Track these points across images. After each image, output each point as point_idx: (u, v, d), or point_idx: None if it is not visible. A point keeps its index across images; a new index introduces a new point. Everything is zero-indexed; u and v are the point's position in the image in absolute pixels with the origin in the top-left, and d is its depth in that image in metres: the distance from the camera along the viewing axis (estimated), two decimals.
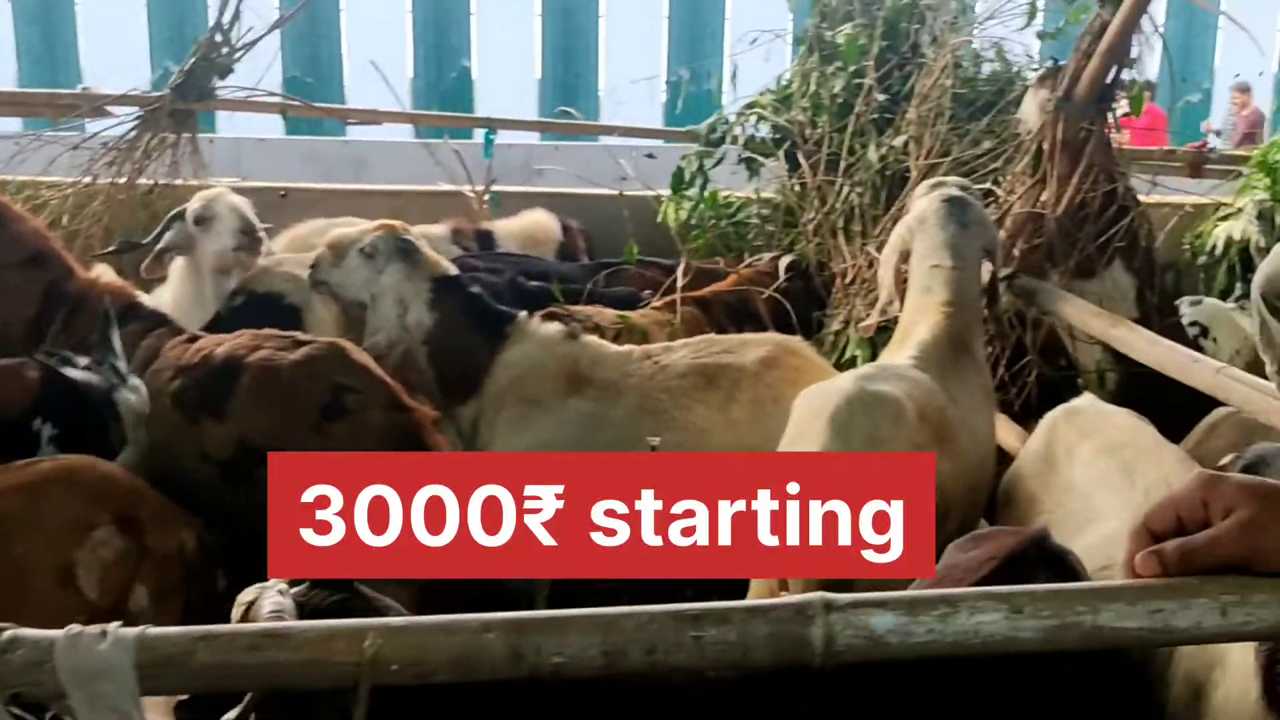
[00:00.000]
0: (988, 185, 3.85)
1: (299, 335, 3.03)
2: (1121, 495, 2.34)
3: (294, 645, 1.00)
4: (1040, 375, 3.64)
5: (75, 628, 1.00)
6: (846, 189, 4.28)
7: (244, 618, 1.49)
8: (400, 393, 2.90)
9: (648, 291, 4.26)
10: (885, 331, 3.50)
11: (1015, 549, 1.70)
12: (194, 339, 3.07)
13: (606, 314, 3.91)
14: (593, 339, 3.49)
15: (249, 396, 2.79)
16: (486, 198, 5.36)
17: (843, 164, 4.38)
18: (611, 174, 5.17)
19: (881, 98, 4.44)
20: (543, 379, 3.34)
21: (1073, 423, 2.62)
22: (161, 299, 3.73)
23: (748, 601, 1.04)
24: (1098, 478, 2.43)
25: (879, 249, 3.89)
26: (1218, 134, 10.80)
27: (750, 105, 4.83)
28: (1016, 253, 3.71)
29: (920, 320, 3.03)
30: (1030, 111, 4.03)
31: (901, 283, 3.26)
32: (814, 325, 4.05)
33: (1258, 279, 1.79)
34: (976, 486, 2.80)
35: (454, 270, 3.56)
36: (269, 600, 1.45)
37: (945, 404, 2.74)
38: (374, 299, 3.39)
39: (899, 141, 4.27)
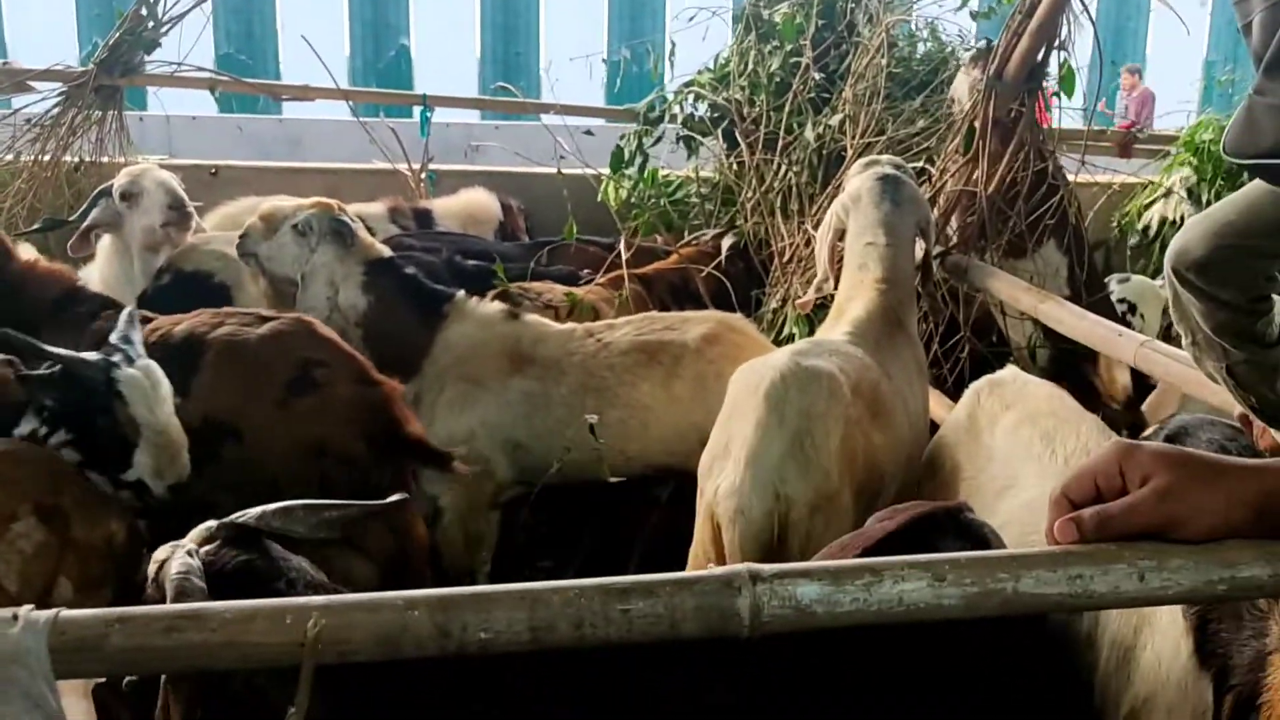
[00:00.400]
0: (921, 164, 3.88)
1: (263, 312, 2.97)
2: (1041, 464, 2.38)
3: (212, 627, 0.98)
4: (972, 351, 3.70)
5: None
6: (784, 168, 4.30)
7: (155, 577, 1.48)
8: (368, 366, 2.86)
9: (586, 271, 4.25)
10: (823, 309, 3.53)
11: (925, 514, 1.73)
12: (146, 320, 3.00)
13: (557, 290, 3.91)
14: (534, 318, 3.47)
15: (213, 373, 2.73)
16: (424, 176, 5.30)
17: (780, 143, 4.39)
18: (551, 152, 5.14)
19: (818, 76, 4.46)
20: (484, 358, 3.31)
21: (996, 393, 2.66)
22: (89, 277, 3.63)
23: (675, 574, 1.04)
24: (1019, 446, 2.47)
25: (816, 227, 3.92)
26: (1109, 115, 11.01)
27: (689, 84, 4.83)
28: (950, 230, 3.76)
29: (855, 297, 3.06)
30: (962, 91, 4.08)
31: (837, 261, 3.29)
32: (753, 304, 4.07)
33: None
34: (912, 458, 2.84)
35: (388, 252, 3.51)
36: (177, 560, 1.44)
37: (879, 378, 2.77)
38: (304, 278, 3.34)
39: (835, 120, 4.30)
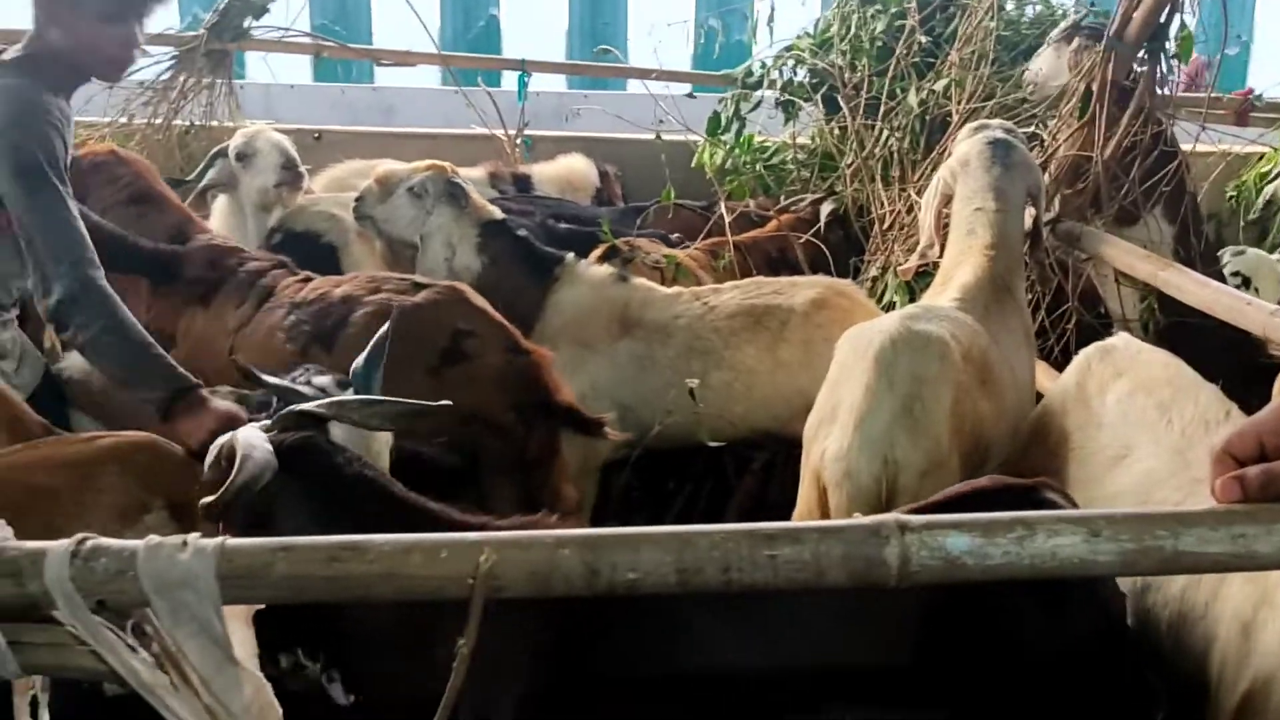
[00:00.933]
0: (1032, 129, 3.78)
1: (418, 279, 2.99)
2: (1156, 433, 2.31)
3: (370, 558, 1.01)
4: (1079, 322, 3.60)
5: (155, 538, 1.01)
6: (885, 133, 4.22)
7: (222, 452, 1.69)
8: (517, 335, 2.87)
9: (677, 235, 4.24)
10: (923, 277, 3.48)
11: (995, 488, 1.70)
12: (309, 279, 3.07)
13: (657, 250, 3.91)
14: (642, 281, 3.48)
15: (365, 336, 2.78)
16: (519, 142, 5.33)
17: (882, 108, 4.31)
18: (643, 119, 5.13)
19: (923, 40, 4.36)
20: (594, 321, 3.34)
21: (1107, 360, 2.59)
22: None
23: (821, 522, 1.04)
24: (1132, 415, 2.41)
25: (918, 194, 3.85)
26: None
27: (788, 48, 4.76)
28: (1060, 197, 3.66)
29: (963, 263, 3.00)
30: (1047, 67, 3.97)
31: (942, 227, 3.23)
32: (851, 272, 4.02)
33: None
34: (1018, 428, 2.79)
35: (500, 214, 3.55)
36: (246, 432, 1.68)
37: (989, 345, 2.72)
38: (423, 240, 3.38)
39: (940, 85, 4.20)
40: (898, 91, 4.33)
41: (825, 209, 4.19)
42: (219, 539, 1.01)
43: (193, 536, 1.01)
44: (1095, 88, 3.43)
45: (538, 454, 2.81)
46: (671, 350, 3.29)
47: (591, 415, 2.90)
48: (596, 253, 3.68)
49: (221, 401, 2.24)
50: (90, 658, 1.05)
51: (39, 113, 2.38)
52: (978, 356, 2.65)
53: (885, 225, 4.07)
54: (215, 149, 3.90)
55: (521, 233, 3.51)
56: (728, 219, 4.11)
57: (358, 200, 3.50)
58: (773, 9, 4.95)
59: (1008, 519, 1.03)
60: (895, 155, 4.19)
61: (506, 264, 3.42)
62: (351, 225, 3.70)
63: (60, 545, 0.99)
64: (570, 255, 3.49)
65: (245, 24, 4.79)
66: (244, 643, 1.09)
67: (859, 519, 1.03)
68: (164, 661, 1.04)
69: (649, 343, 3.31)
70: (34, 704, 1.16)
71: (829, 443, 2.41)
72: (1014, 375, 2.83)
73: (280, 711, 1.09)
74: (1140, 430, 2.38)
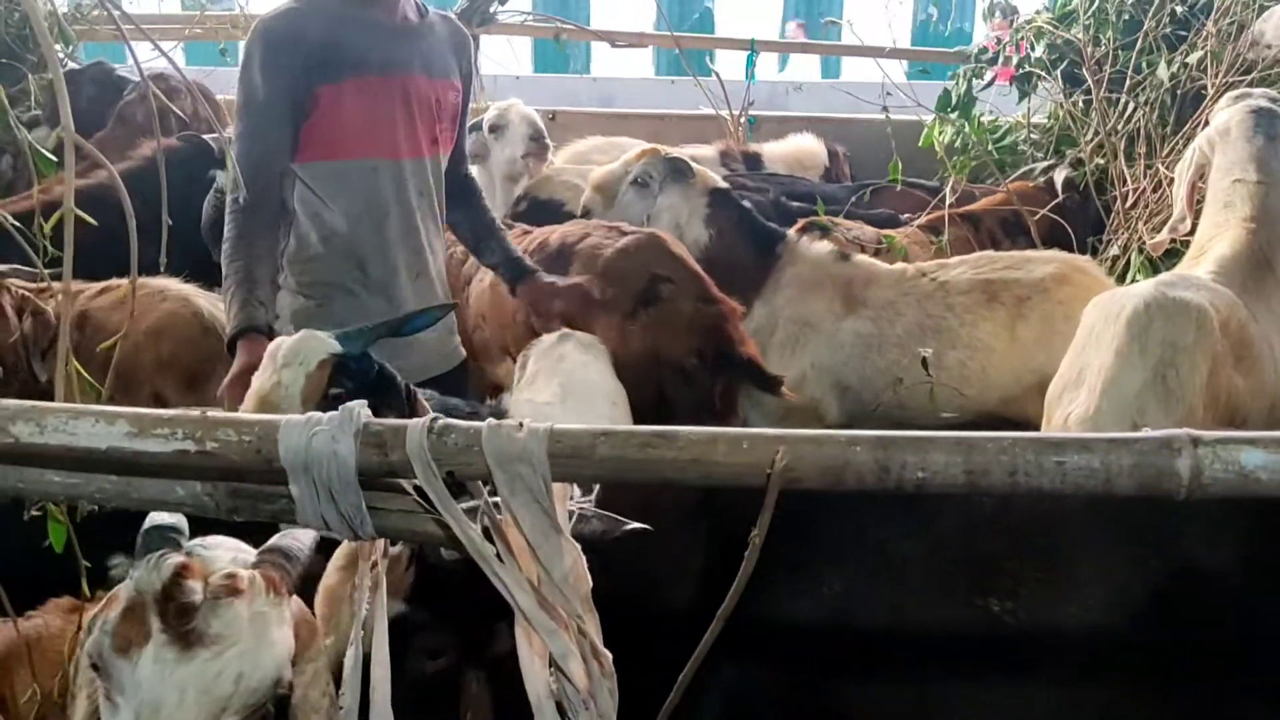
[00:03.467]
0: None
1: (624, 226, 3.18)
2: None
3: (680, 445, 1.12)
4: None
5: (494, 421, 1.15)
6: (1132, 108, 4.06)
7: None
8: (711, 286, 3.00)
9: (907, 215, 4.22)
10: (1171, 257, 3.34)
11: None
12: (528, 231, 3.31)
13: (868, 230, 3.90)
14: (864, 258, 3.45)
15: (573, 279, 2.99)
16: (743, 121, 5.42)
17: (1128, 82, 4.15)
18: (858, 106, 5.10)
19: (1177, 10, 4.16)
20: (816, 299, 3.31)
21: None
22: None
23: (1110, 434, 1.07)
24: None
25: (1167, 170, 3.69)
26: None
27: (1028, 22, 4.64)
28: None
29: (1219, 236, 2.87)
30: (1271, 29, 3.71)
31: (1196, 201, 3.10)
32: (1089, 250, 3.90)
33: None
34: (1276, 409, 2.66)
35: (724, 183, 3.61)
36: None
37: (1247, 319, 2.61)
38: (652, 222, 3.42)
39: (1194, 58, 4.00)
40: (1145, 65, 4.15)
41: (1059, 175, 4.05)
42: (549, 422, 1.14)
43: (526, 420, 1.15)
44: None
45: (722, 406, 2.90)
46: (900, 328, 3.23)
47: (772, 373, 2.95)
48: (797, 226, 3.65)
49: (255, 352, 2.24)
50: (433, 525, 1.21)
51: None
52: (1236, 329, 2.55)
53: (1129, 203, 3.92)
54: (470, 122, 4.16)
55: (747, 204, 3.55)
56: (950, 198, 4.04)
57: (584, 214, 3.55)
58: None
59: None
60: (1141, 131, 4.02)
61: (732, 237, 3.44)
62: None
63: (418, 422, 1.14)
64: (792, 232, 3.50)
65: (492, 9, 5.07)
66: (563, 519, 1.22)
67: (1149, 431, 1.06)
68: (493, 535, 1.19)
69: (876, 321, 3.25)
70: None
71: (1074, 407, 2.38)
72: (1274, 352, 2.70)
73: (590, 583, 1.21)
74: None
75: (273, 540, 1.35)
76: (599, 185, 3.59)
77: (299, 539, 1.35)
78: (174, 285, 2.97)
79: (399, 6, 2.59)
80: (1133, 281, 3.60)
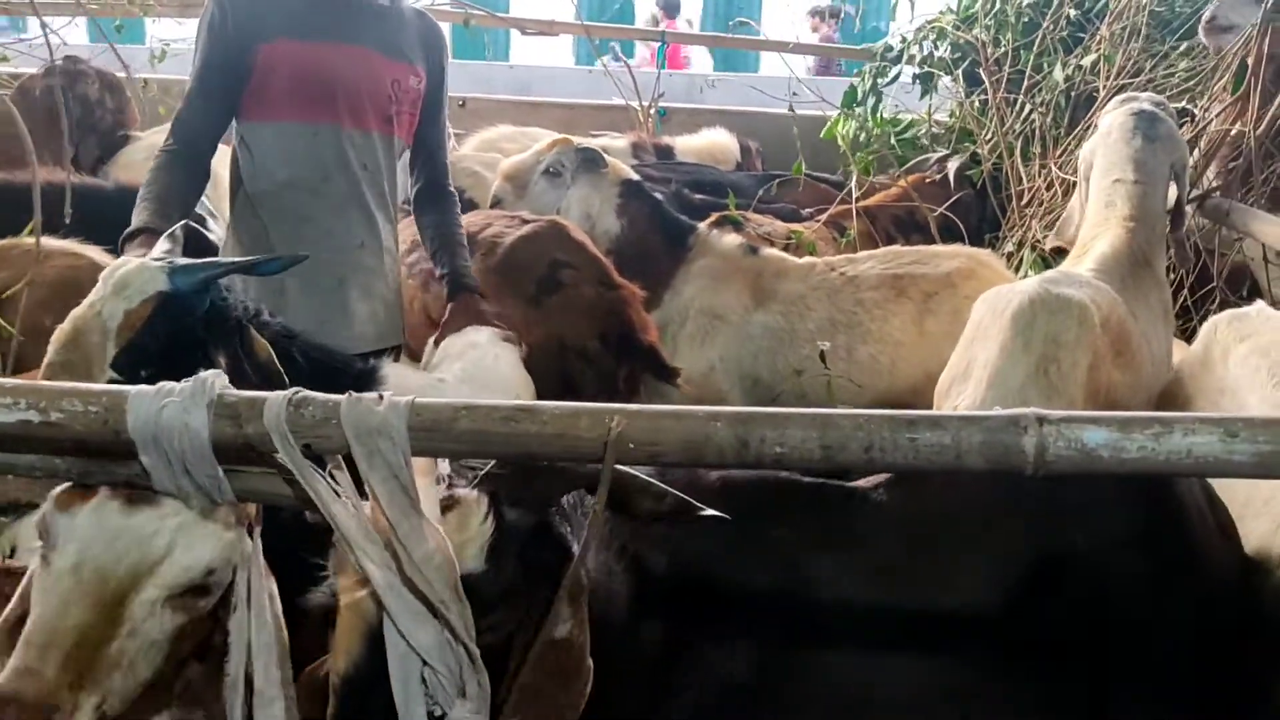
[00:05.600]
0: (1183, 104, 3.69)
1: (526, 215, 3.17)
2: (1262, 394, 2.28)
3: (544, 419, 1.11)
4: (1224, 304, 3.51)
5: (354, 394, 1.13)
6: (1028, 108, 4.17)
7: None
8: (611, 271, 3.01)
9: (808, 210, 4.27)
10: (1062, 254, 3.43)
11: None
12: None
13: (779, 226, 3.93)
14: (772, 251, 3.46)
15: (479, 269, 2.96)
16: (653, 112, 5.43)
17: (1025, 83, 4.26)
18: (767, 101, 5.15)
19: (1072, 14, 4.29)
20: (726, 292, 3.32)
21: (1234, 326, 2.55)
22: None
23: (962, 412, 1.10)
24: (1245, 377, 2.38)
25: (1060, 170, 3.80)
26: None
27: (929, 23, 4.74)
28: (1210, 175, 3.57)
29: (1101, 234, 2.96)
30: (1232, 11, 3.83)
31: (1083, 201, 3.19)
32: (986, 245, 4.00)
33: None
34: (1151, 402, 2.76)
35: (636, 175, 3.61)
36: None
37: (1126, 316, 2.70)
38: (564, 213, 3.40)
39: (1088, 61, 4.13)
40: (1044, 66, 4.27)
41: (952, 165, 4.14)
42: (409, 395, 1.13)
43: (387, 392, 1.13)
44: (1250, 61, 3.34)
45: (626, 389, 2.93)
46: (811, 323, 3.24)
47: (669, 364, 2.98)
48: (709, 221, 3.65)
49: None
50: (292, 489, 1.18)
51: None
52: (1115, 325, 2.63)
53: (1024, 201, 4.03)
54: None
55: (658, 195, 3.55)
56: (856, 193, 4.11)
57: (494, 205, 3.52)
58: None
59: (1145, 417, 1.07)
60: (1037, 131, 4.13)
61: (643, 228, 3.43)
62: (492, 182, 3.82)
63: (277, 395, 1.12)
64: (702, 226, 3.50)
65: None
66: (429, 499, 1.20)
67: (999, 410, 1.09)
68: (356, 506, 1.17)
69: (786, 315, 3.27)
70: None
71: (961, 400, 2.43)
72: (1150, 349, 2.80)
73: (459, 571, 1.19)
74: (1250, 393, 2.35)
75: None
76: (510, 175, 3.54)
77: None
78: (66, 243, 2.95)
79: None
80: (1025, 276, 3.71)
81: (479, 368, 2.59)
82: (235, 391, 1.13)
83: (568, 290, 2.90)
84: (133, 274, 1.94)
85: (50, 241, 2.87)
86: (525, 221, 3.05)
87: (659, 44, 5.58)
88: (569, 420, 1.11)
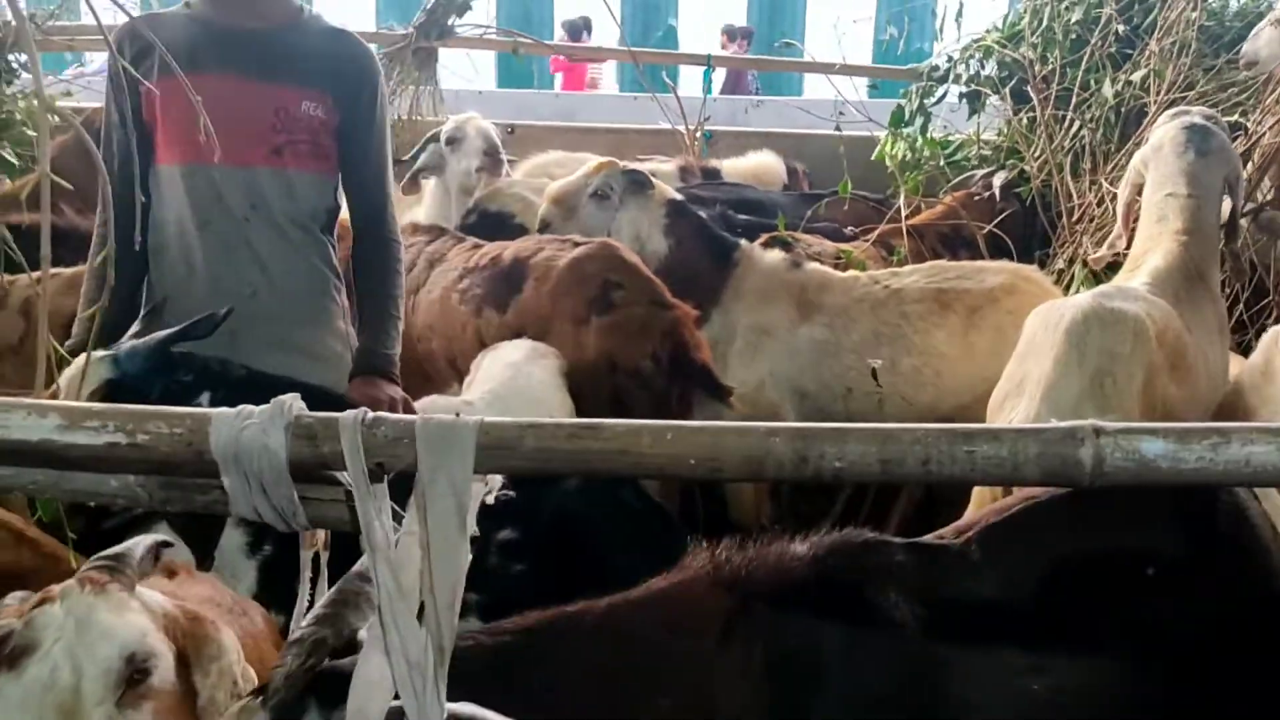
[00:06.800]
0: (1235, 117, 3.66)
1: (576, 238, 3.21)
2: None
3: (606, 437, 1.14)
4: None
5: (427, 414, 1.17)
6: (1078, 125, 4.15)
7: None
8: (663, 291, 3.03)
9: (850, 228, 4.28)
10: (1114, 271, 3.42)
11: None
12: (478, 245, 3.30)
13: (827, 245, 3.95)
14: (816, 265, 3.48)
15: (531, 292, 3.02)
16: (699, 136, 5.48)
17: (1074, 100, 4.25)
18: (814, 124, 5.17)
19: (1121, 30, 4.27)
20: (772, 306, 3.34)
21: None
22: (415, 215, 4.02)
23: (1018, 425, 1.11)
24: None
25: (1111, 185, 3.78)
26: None
27: (976, 41, 4.74)
28: (1265, 188, 3.54)
29: (1153, 249, 2.95)
30: (1262, 47, 3.82)
31: (1134, 218, 3.18)
32: (1036, 262, 3.98)
33: None
34: (1209, 415, 2.74)
35: (680, 196, 3.65)
36: None
37: (1182, 330, 2.68)
38: (614, 235, 3.42)
39: (1138, 76, 4.11)
40: (1091, 83, 4.25)
41: (998, 180, 4.13)
42: (479, 415, 1.17)
43: (462, 410, 1.17)
44: None
45: (679, 409, 2.92)
46: (856, 335, 3.26)
47: (722, 382, 2.98)
48: (759, 241, 3.67)
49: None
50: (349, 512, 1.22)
51: None
52: (1171, 340, 2.62)
53: (1074, 218, 4.00)
54: (429, 134, 4.18)
55: (703, 214, 3.59)
56: (904, 211, 4.11)
57: (542, 228, 3.53)
58: (961, 4, 4.94)
59: (1203, 427, 1.08)
60: (1086, 147, 4.12)
61: (690, 247, 3.46)
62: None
63: (350, 414, 1.16)
64: (745, 242, 3.52)
65: (450, 21, 5.10)
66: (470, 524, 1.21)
67: (1054, 423, 1.10)
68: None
69: (831, 328, 3.28)
70: (315, 561, 1.35)
71: (1014, 415, 2.43)
72: (1207, 363, 2.78)
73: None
74: None
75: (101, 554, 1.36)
76: (557, 198, 3.58)
77: (129, 546, 1.35)
78: None
79: (256, 9, 2.46)
80: (1076, 293, 3.69)
81: (510, 389, 2.61)
82: (311, 414, 1.18)
83: (620, 311, 2.93)
84: (79, 372, 1.99)
85: None
86: (576, 244, 3.09)
87: (705, 68, 5.62)
88: (630, 437, 1.14)
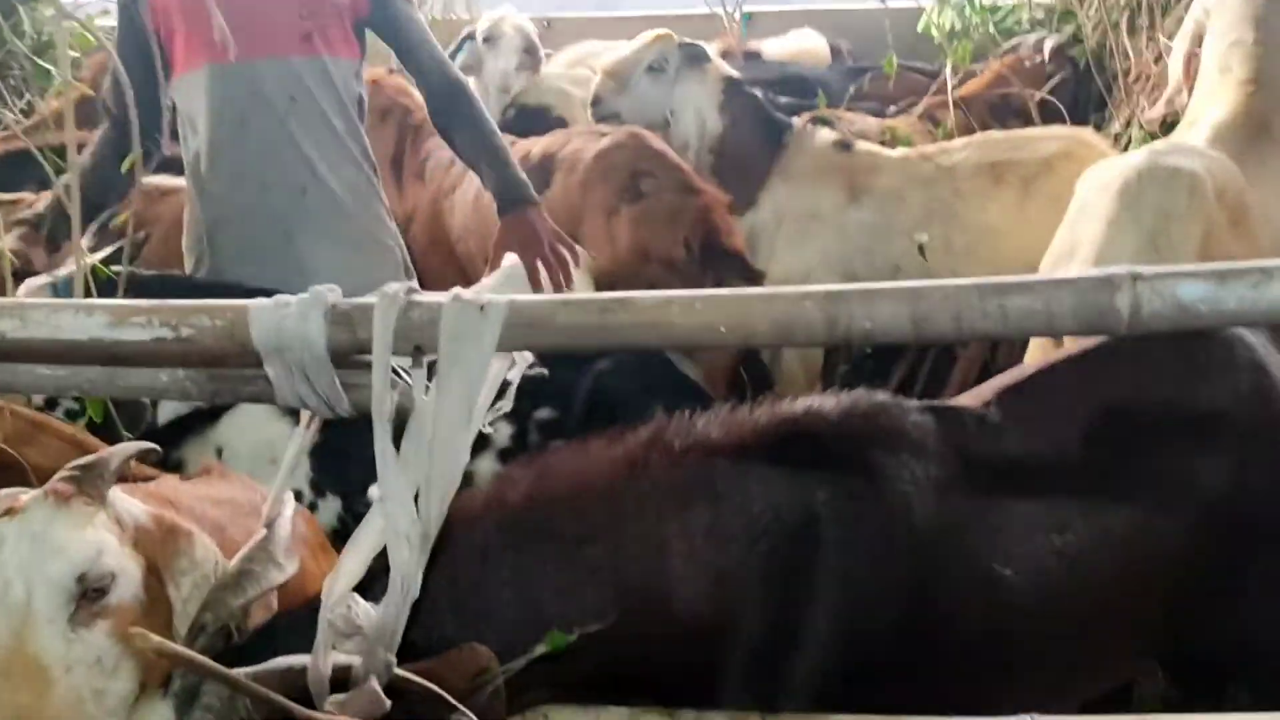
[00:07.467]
0: None
1: (603, 128, 3.18)
2: None
3: (637, 309, 1.15)
4: None
5: (459, 292, 1.18)
6: None
7: None
8: (692, 177, 2.99)
9: (891, 107, 4.15)
10: (1172, 130, 3.30)
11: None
12: (513, 143, 3.25)
13: (870, 121, 3.85)
14: (865, 146, 3.39)
15: (560, 186, 2.99)
16: (738, 18, 5.32)
17: None
18: None
19: None
20: (821, 191, 3.28)
21: None
22: None
23: (1052, 276, 1.10)
24: None
25: (1169, 39, 3.62)
26: None
27: None
28: None
29: (1215, 101, 2.84)
30: None
31: (1190, 70, 3.05)
32: (1092, 125, 3.85)
33: None
34: None
35: (735, 73, 3.54)
36: None
37: (1244, 185, 2.59)
38: (674, 114, 3.36)
39: None
40: None
41: (1049, 44, 3.96)
42: (509, 296, 1.17)
43: (489, 295, 1.18)
44: None
45: None
46: (907, 215, 3.19)
47: (755, 267, 2.95)
48: (802, 119, 3.56)
49: None
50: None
51: None
52: (1232, 196, 2.52)
53: (1131, 78, 3.85)
54: (465, 32, 4.12)
55: (757, 92, 3.49)
56: (950, 83, 3.98)
57: (595, 103, 3.45)
58: None
59: (1243, 267, 1.05)
60: (1143, 2, 3.93)
61: (744, 126, 3.38)
62: (580, 99, 3.82)
63: (384, 297, 1.18)
64: (797, 122, 3.45)
65: None
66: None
67: (1090, 270, 1.08)
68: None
69: (882, 209, 3.21)
70: None
71: None
72: (1271, 220, 2.68)
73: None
74: None
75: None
76: (612, 71, 3.48)
77: (105, 455, 1.30)
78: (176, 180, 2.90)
79: None
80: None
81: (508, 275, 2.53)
82: (348, 300, 1.20)
83: (650, 199, 2.89)
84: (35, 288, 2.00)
85: (161, 180, 2.93)
86: (603, 135, 3.06)
87: None
88: (659, 309, 1.14)
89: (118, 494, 1.26)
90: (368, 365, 1.24)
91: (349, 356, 1.21)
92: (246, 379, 1.25)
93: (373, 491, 1.19)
